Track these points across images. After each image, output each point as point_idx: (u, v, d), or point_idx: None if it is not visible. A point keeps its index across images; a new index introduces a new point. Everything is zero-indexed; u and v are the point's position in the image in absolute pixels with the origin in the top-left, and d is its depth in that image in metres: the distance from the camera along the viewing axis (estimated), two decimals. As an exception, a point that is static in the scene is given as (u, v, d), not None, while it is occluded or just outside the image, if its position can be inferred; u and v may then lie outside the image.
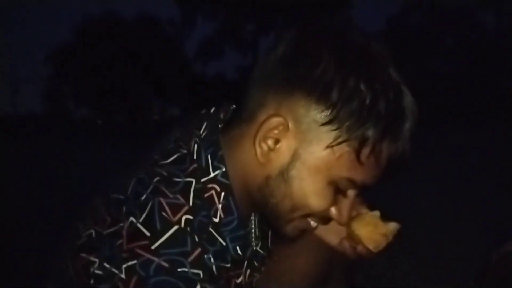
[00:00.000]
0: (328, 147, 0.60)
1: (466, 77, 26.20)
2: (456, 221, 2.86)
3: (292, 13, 23.39)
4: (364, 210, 0.76)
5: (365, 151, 0.59)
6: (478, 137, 8.47)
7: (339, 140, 0.59)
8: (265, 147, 0.63)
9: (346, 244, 0.75)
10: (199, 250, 0.60)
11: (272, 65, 0.63)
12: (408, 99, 0.63)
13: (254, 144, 0.63)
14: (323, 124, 0.59)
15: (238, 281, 0.72)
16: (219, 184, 0.66)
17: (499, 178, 4.26)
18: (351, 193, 0.67)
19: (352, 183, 0.63)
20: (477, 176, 4.53)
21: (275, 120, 0.61)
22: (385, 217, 0.77)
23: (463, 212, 3.06)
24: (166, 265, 0.57)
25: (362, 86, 0.58)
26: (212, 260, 0.62)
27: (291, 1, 22.38)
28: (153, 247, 0.57)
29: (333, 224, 0.72)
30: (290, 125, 0.61)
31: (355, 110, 0.58)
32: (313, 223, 0.70)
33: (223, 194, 0.66)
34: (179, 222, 0.60)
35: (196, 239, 0.60)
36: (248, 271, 0.74)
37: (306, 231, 0.73)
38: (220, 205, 0.66)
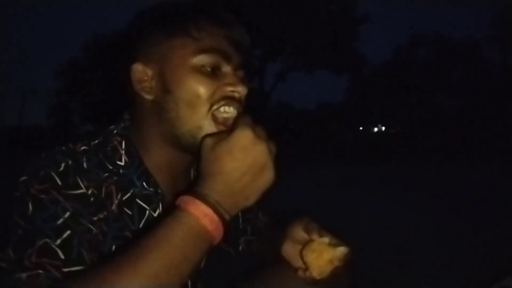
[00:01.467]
0: (170, 48, 0.75)
1: (470, 111, 26.28)
2: (458, 254, 2.83)
3: (299, 41, 23.72)
4: (315, 237, 0.81)
5: (193, 31, 0.75)
6: (480, 172, 8.44)
7: (172, 37, 0.75)
8: (146, 89, 0.77)
9: (300, 272, 0.81)
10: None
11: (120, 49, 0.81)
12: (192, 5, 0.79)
13: (141, 94, 0.77)
14: (160, 41, 0.76)
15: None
16: (120, 135, 0.80)
17: (502, 212, 4.23)
18: (226, 68, 0.78)
19: (210, 53, 0.75)
20: (479, 209, 4.50)
21: (137, 68, 0.77)
22: (335, 243, 0.79)
23: (464, 245, 3.04)
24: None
25: (162, 14, 0.79)
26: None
27: (299, 29, 22.70)
28: (62, 191, 0.67)
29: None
30: (147, 62, 0.76)
31: (168, 21, 0.76)
32: (229, 109, 0.77)
33: (124, 142, 0.79)
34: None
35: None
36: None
37: None
38: (123, 151, 0.78)
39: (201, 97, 0.74)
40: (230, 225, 1.00)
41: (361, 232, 3.13)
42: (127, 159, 0.77)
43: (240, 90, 0.77)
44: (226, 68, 0.78)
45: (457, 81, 31.57)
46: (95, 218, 0.69)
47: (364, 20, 24.88)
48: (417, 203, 5.00)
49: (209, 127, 0.75)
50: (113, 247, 0.72)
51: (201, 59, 0.75)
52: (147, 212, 0.78)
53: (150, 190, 0.78)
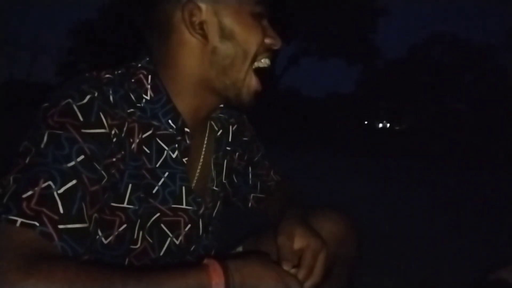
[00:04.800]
0: None
1: (479, 117, 26.12)
2: (455, 247, 2.89)
3: (315, 26, 23.44)
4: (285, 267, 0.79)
5: None
6: (480, 176, 8.45)
7: None
8: (198, 31, 0.74)
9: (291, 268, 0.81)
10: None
11: None
12: None
13: (189, 36, 0.75)
14: None
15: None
16: (146, 69, 0.77)
17: (502, 215, 4.27)
18: (265, 21, 0.80)
19: (260, 3, 0.77)
20: (478, 209, 4.54)
21: (188, 9, 0.73)
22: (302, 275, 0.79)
23: (461, 240, 3.09)
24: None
25: None
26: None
27: (317, 14, 22.40)
28: (82, 130, 0.64)
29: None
30: (198, 3, 0.74)
31: None
32: (266, 61, 0.80)
33: (150, 76, 0.77)
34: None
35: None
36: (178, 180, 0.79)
37: None
38: (149, 86, 0.76)
39: (257, 44, 0.77)
40: (239, 179, 1.03)
41: (360, 220, 3.17)
42: (152, 94, 0.75)
43: (279, 44, 0.80)
44: (264, 20, 0.80)
45: (469, 85, 31.27)
46: (112, 160, 0.68)
47: (383, 13, 24.51)
48: (415, 198, 5.05)
49: (249, 80, 0.78)
50: (130, 186, 0.72)
51: (256, 8, 0.76)
52: (165, 152, 0.77)
53: (174, 129, 0.77)
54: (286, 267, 0.77)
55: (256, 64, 0.79)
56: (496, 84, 28.39)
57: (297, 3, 19.65)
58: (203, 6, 0.74)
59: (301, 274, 0.78)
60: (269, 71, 0.83)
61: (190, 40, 0.75)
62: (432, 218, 3.99)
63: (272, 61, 0.83)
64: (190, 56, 0.76)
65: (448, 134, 23.07)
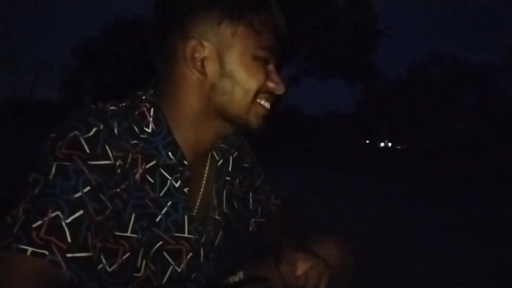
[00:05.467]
0: (233, 34, 0.77)
1: (479, 136, 26.15)
2: (454, 268, 2.86)
3: (316, 47, 23.70)
4: None
5: (255, 23, 0.77)
6: (480, 195, 8.42)
7: (236, 25, 0.76)
8: (198, 67, 0.77)
9: None
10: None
11: (157, 22, 0.80)
12: None
13: (190, 71, 0.77)
14: (219, 23, 0.76)
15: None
16: (149, 102, 0.79)
17: (502, 235, 4.25)
18: (271, 66, 0.82)
19: (265, 49, 0.79)
20: (477, 229, 4.52)
21: (191, 45, 0.76)
22: None
23: (461, 261, 3.07)
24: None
25: None
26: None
27: (318, 36, 22.69)
28: (88, 162, 0.66)
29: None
30: (202, 40, 0.76)
31: (227, 4, 0.76)
32: (266, 103, 0.83)
33: (152, 109, 0.79)
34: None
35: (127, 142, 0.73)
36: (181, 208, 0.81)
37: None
38: (151, 119, 0.78)
39: (257, 86, 0.79)
40: (240, 204, 1.05)
41: (358, 240, 3.16)
42: (154, 127, 0.77)
43: (282, 90, 0.83)
44: (271, 64, 0.83)
45: (469, 105, 31.41)
46: (117, 190, 0.70)
47: (383, 34, 24.83)
48: (415, 218, 5.03)
49: (255, 109, 0.81)
50: (133, 215, 0.74)
51: (261, 53, 0.79)
52: (169, 181, 0.79)
53: (174, 161, 0.79)
54: None
55: (258, 101, 0.81)
56: (496, 102, 28.51)
57: (298, 24, 19.94)
58: (206, 44, 0.77)
59: None
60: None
61: (191, 75, 0.78)
62: (435, 239, 3.96)
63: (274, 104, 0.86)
64: (190, 91, 0.79)
65: (449, 152, 23.05)
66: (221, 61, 0.77)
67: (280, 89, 0.83)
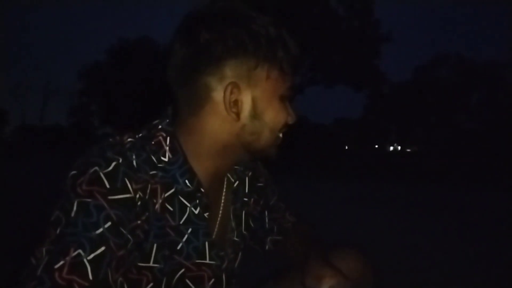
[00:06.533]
0: (267, 78, 0.80)
1: (489, 134, 25.87)
2: (470, 274, 2.82)
3: (320, 55, 23.77)
4: None
5: (284, 65, 0.81)
6: (495, 195, 8.30)
7: (271, 69, 0.80)
8: (234, 110, 0.79)
9: None
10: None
11: (188, 58, 0.79)
12: (280, 29, 0.82)
13: (223, 110, 0.79)
14: (255, 67, 0.79)
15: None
16: (165, 131, 0.81)
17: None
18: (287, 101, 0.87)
19: (290, 88, 0.85)
20: (493, 231, 4.45)
21: (230, 88, 0.78)
22: None
23: (476, 266, 3.01)
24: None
25: (251, 37, 0.79)
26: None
27: (320, 44, 22.78)
28: (109, 197, 0.68)
29: None
30: (239, 83, 0.78)
31: (263, 48, 0.79)
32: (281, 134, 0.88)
33: (168, 138, 0.80)
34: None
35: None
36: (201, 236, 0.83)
37: None
38: (167, 148, 0.79)
39: (282, 124, 0.85)
40: (256, 224, 1.06)
41: (371, 248, 3.13)
42: (170, 156, 0.79)
43: (294, 120, 0.88)
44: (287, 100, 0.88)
45: (477, 104, 31.17)
46: (138, 222, 0.71)
47: (386, 39, 24.85)
48: (428, 223, 4.96)
49: (274, 145, 0.87)
50: (155, 245, 0.75)
51: (287, 92, 0.84)
52: (188, 209, 0.80)
53: (192, 188, 0.80)
54: None
55: (275, 141, 0.87)
56: (504, 99, 28.25)
57: (300, 34, 20.07)
58: (242, 86, 0.79)
59: None
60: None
61: (223, 114, 0.80)
62: (450, 244, 3.91)
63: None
64: (219, 128, 0.81)
65: (460, 152, 22.82)
66: (254, 103, 0.81)
67: (293, 120, 0.87)
